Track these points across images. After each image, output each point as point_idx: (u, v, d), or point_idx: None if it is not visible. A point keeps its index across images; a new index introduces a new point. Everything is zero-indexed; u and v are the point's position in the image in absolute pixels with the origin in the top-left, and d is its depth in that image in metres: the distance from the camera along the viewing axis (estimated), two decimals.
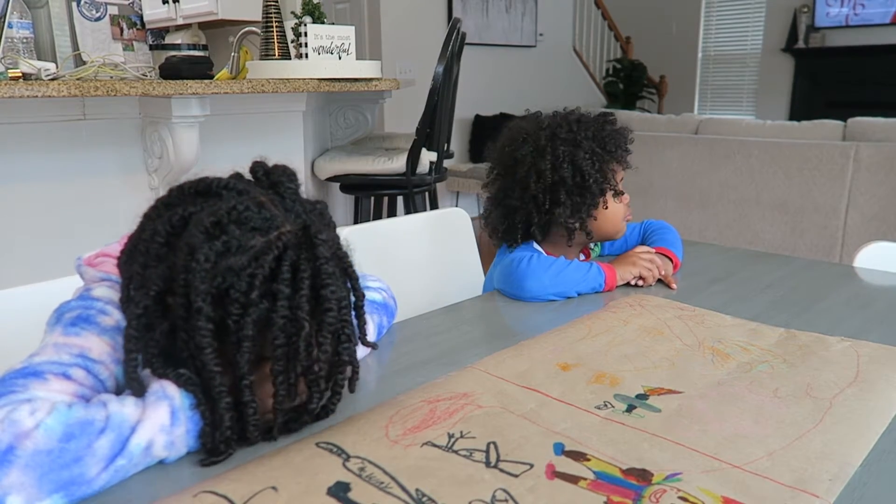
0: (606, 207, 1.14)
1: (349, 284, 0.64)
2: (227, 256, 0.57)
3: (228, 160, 2.33)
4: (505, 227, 1.16)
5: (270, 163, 0.68)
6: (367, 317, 0.70)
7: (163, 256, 0.59)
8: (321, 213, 0.66)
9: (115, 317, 0.64)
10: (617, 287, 1.10)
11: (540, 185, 1.10)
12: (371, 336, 0.82)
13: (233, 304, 0.56)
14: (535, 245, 1.17)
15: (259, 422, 0.60)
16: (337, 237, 0.65)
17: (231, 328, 0.57)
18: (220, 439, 0.58)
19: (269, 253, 0.57)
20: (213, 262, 0.56)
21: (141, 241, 0.61)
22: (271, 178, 0.66)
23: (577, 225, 1.13)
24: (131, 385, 0.59)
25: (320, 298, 0.60)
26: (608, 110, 1.28)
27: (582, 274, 1.07)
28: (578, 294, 1.07)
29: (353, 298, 0.65)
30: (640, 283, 1.11)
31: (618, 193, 1.15)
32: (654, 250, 1.17)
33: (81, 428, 0.53)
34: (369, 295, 0.86)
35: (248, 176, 0.67)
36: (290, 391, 0.60)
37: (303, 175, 2.60)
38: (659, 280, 1.13)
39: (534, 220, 1.12)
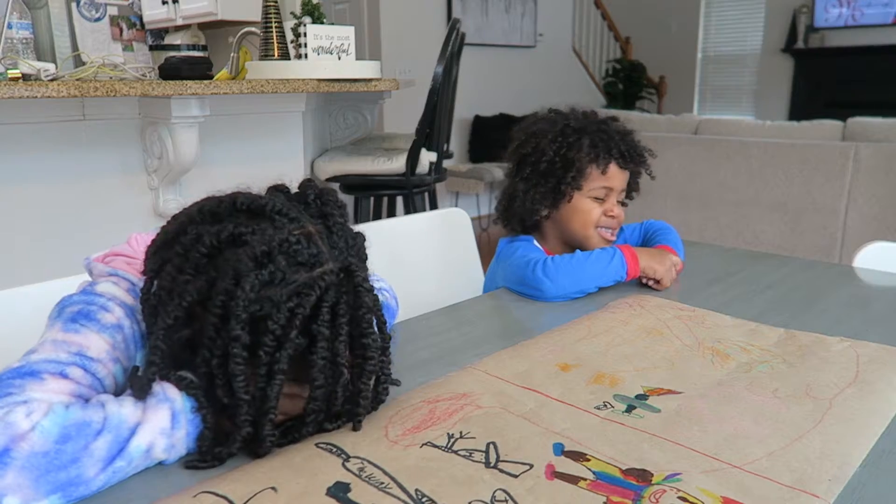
0: (570, 201, 1.14)
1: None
2: (270, 287, 0.57)
3: (228, 160, 2.34)
4: (504, 207, 1.20)
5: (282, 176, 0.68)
6: None
7: (202, 268, 0.59)
8: (359, 248, 0.67)
9: (116, 314, 0.64)
10: (628, 282, 1.09)
11: (511, 155, 1.17)
12: None
13: (267, 335, 0.56)
14: (535, 242, 1.17)
15: (272, 447, 0.59)
16: (367, 273, 0.65)
17: (263, 359, 0.57)
18: (223, 456, 0.58)
19: (311, 292, 0.57)
20: (257, 292, 0.56)
21: (179, 241, 0.61)
22: (322, 209, 0.65)
23: (536, 208, 1.15)
24: (139, 391, 0.59)
25: (361, 346, 0.61)
26: (612, 112, 1.29)
27: (602, 266, 1.06)
28: (598, 288, 1.07)
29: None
30: (652, 284, 1.10)
31: (576, 189, 1.13)
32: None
33: (78, 429, 0.52)
34: None
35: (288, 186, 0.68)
36: (319, 426, 0.61)
37: (301, 176, 2.60)
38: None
39: (509, 191, 1.18)
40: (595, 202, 1.14)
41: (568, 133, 1.13)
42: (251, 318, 0.56)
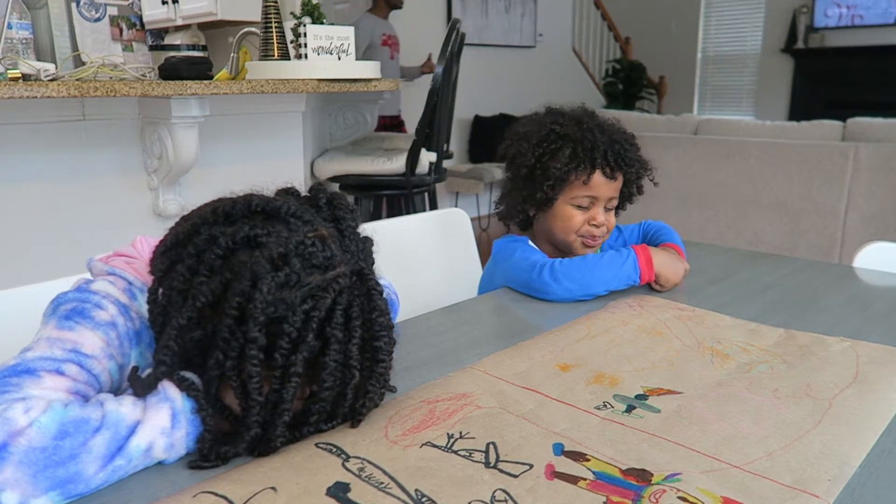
0: (552, 206, 1.12)
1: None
2: (285, 289, 0.57)
3: (228, 160, 2.34)
4: (506, 205, 1.20)
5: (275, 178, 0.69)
6: None
7: (217, 270, 0.59)
8: (368, 252, 0.67)
9: (110, 311, 0.64)
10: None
11: (501, 154, 1.17)
12: None
13: (283, 338, 0.57)
14: (531, 243, 1.17)
15: (280, 448, 0.59)
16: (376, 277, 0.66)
17: (278, 361, 0.57)
18: (229, 455, 0.58)
19: (325, 295, 0.58)
20: (273, 294, 0.56)
21: (192, 242, 0.61)
22: (334, 212, 0.66)
23: (523, 208, 1.15)
24: (144, 388, 0.59)
25: (372, 349, 0.61)
26: (612, 113, 1.28)
27: (614, 270, 1.04)
28: (608, 291, 1.05)
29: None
30: (653, 285, 1.08)
31: (558, 195, 1.10)
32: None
33: (76, 426, 0.53)
34: None
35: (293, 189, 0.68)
36: (325, 423, 0.61)
37: (301, 176, 2.60)
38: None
39: (503, 188, 1.19)
40: (577, 210, 1.11)
41: (551, 139, 1.10)
42: (267, 320, 0.56)
